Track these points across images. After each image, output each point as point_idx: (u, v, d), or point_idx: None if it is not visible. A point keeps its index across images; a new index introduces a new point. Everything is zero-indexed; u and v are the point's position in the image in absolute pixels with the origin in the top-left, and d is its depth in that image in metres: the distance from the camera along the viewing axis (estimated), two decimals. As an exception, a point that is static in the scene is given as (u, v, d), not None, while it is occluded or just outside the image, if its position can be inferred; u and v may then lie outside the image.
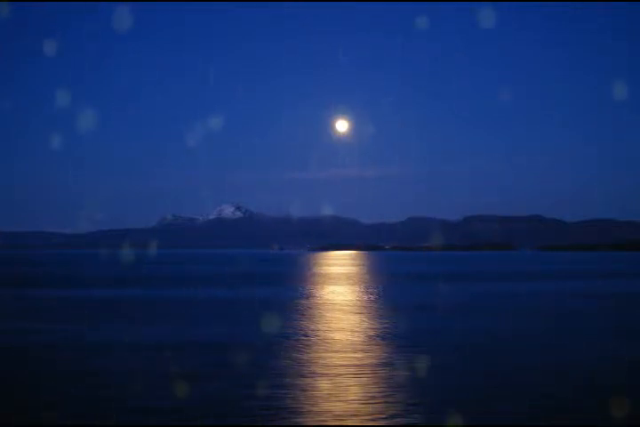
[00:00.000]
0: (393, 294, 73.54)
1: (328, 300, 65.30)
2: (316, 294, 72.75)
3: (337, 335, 38.94)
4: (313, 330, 41.42)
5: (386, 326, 43.52)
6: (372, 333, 39.98)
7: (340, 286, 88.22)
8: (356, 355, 32.00)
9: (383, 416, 20.78)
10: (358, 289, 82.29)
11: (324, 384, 25.37)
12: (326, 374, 27.26)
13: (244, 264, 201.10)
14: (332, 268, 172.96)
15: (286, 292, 76.94)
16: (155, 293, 76.16)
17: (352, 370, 28.16)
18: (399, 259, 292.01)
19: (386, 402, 22.53)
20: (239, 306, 59.81)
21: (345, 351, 33.11)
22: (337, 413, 21.16)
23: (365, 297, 68.52)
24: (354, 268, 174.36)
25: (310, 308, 56.63)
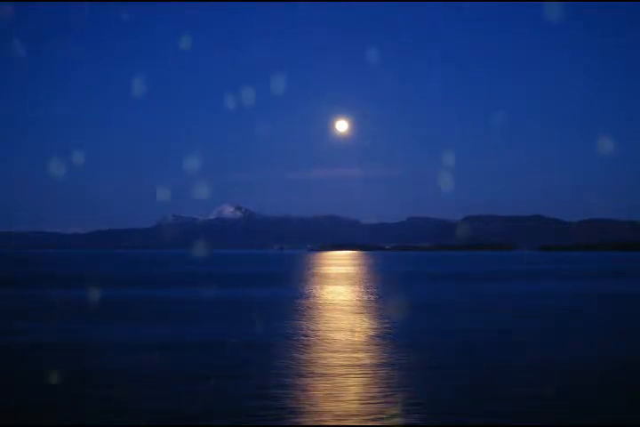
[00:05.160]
0: (393, 294, 73.51)
1: (328, 300, 65.27)
2: (316, 294, 72.71)
3: (337, 335, 38.92)
4: (313, 330, 41.40)
5: (386, 326, 43.50)
6: (372, 333, 39.96)
7: (340, 286, 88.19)
8: (355, 355, 31.98)
9: (383, 416, 20.76)
10: (358, 289, 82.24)
11: (323, 384, 25.35)
12: (326, 374, 27.24)
13: (244, 264, 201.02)
14: (332, 268, 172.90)
15: (286, 292, 76.93)
16: (154, 293, 76.13)
17: (352, 370, 28.14)
18: (399, 259, 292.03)
19: (386, 402, 22.51)
20: (239, 306, 59.78)
21: (345, 351, 33.09)
22: (337, 413, 21.14)
23: (365, 297, 68.48)
24: (354, 268, 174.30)
25: (310, 308, 56.60)
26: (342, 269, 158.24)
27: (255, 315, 50.84)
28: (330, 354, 32.33)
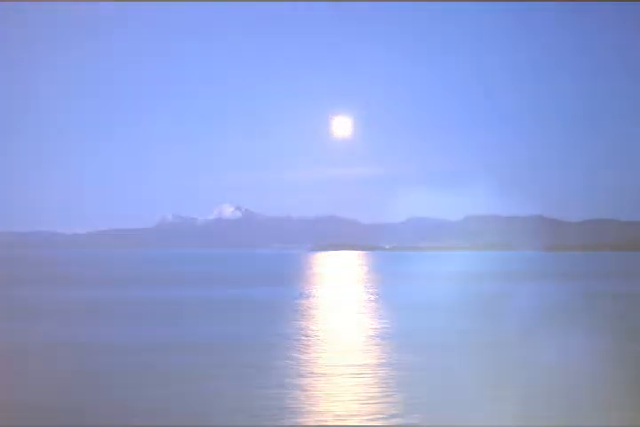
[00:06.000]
0: (393, 294, 73.51)
1: (328, 300, 65.29)
2: (316, 294, 72.72)
3: (337, 335, 38.96)
4: (313, 330, 41.44)
5: (386, 326, 43.52)
6: (372, 333, 40.00)
7: (340, 286, 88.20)
8: (356, 355, 32.02)
9: (383, 416, 20.80)
10: (358, 289, 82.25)
11: (323, 384, 25.39)
12: (326, 374, 27.28)
13: (245, 264, 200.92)
14: (332, 268, 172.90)
15: (286, 292, 76.93)
16: (154, 293, 76.11)
17: (352, 370, 28.18)
18: (399, 259, 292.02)
19: (386, 402, 22.55)
20: (240, 306, 59.80)
21: (345, 351, 33.13)
22: (337, 413, 21.18)
23: (365, 297, 68.49)
24: (354, 268, 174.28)
25: (310, 308, 56.62)
26: (342, 269, 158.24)
27: (255, 315, 50.85)
28: (330, 354, 32.37)
